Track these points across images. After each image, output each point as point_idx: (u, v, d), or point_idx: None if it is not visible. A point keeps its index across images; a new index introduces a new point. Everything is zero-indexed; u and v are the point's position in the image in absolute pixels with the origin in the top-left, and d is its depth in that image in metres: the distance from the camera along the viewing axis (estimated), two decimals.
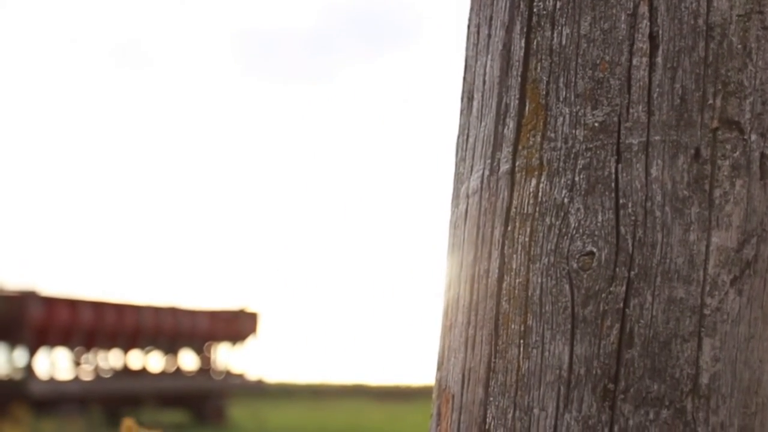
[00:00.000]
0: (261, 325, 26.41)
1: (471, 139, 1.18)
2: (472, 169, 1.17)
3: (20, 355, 20.99)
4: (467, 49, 1.22)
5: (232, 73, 50.77)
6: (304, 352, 58.73)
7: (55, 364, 21.75)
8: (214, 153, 50.08)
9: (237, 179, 50.75)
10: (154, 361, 24.57)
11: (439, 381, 1.19)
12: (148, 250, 46.72)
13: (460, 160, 1.21)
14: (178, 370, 24.90)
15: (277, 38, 50.12)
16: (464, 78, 1.22)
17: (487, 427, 1.10)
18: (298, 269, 56.47)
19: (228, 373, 25.92)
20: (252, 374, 26.53)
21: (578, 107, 1.08)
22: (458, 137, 1.22)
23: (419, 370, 64.68)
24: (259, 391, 27.67)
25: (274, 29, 49.50)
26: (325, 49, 50.85)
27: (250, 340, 26.26)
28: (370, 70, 51.24)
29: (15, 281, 21.62)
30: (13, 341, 20.88)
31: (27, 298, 20.31)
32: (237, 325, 25.80)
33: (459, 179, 1.20)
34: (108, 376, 22.90)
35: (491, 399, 1.09)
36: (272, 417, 25.29)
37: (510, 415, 1.08)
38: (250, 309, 26.22)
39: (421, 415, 31.04)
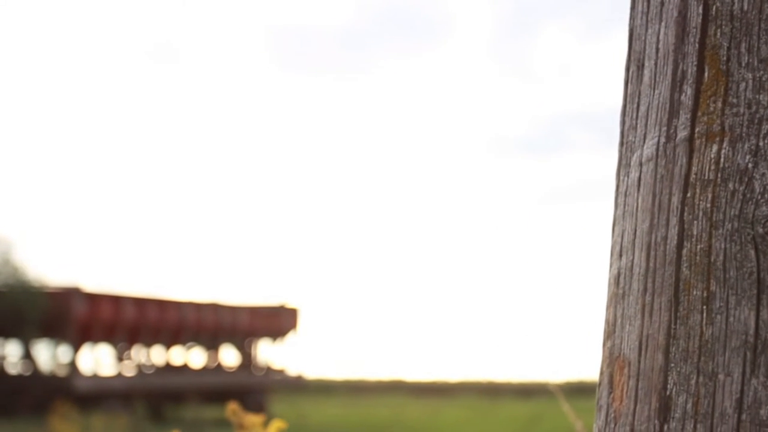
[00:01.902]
0: (301, 321, 26.49)
1: (643, 107, 1.18)
2: (645, 137, 1.16)
3: (64, 351, 21.18)
4: (634, 18, 1.22)
5: (268, 69, 50.91)
6: (342, 348, 58.78)
7: (98, 360, 21.93)
8: (252, 148, 50.26)
9: (276, 174, 50.91)
10: (195, 357, 24.73)
11: (610, 349, 1.19)
12: (190, 247, 46.97)
13: (629, 129, 1.20)
14: (220, 366, 25.03)
15: (312, 34, 50.23)
16: (631, 47, 1.22)
17: (668, 393, 1.09)
18: (338, 265, 56.62)
19: (269, 369, 26.02)
20: (292, 370, 26.61)
21: (762, 72, 1.07)
22: (626, 106, 1.22)
23: (456, 366, 64.55)
24: (299, 386, 27.74)
25: (310, 25, 49.61)
26: (360, 45, 50.92)
27: (290, 336, 26.35)
28: (406, 65, 51.24)
29: (59, 278, 21.79)
30: (57, 337, 21.06)
31: (71, 294, 20.49)
32: (277, 321, 25.90)
33: (629, 147, 1.20)
34: (150, 372, 23.05)
35: (672, 365, 1.09)
36: (313, 412, 25.36)
37: (693, 381, 1.07)
38: (290, 305, 26.30)
39: (458, 410, 31.04)
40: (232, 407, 2.06)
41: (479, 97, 51.70)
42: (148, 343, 22.79)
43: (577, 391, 42.12)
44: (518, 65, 51.64)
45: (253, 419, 2.04)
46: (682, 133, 1.11)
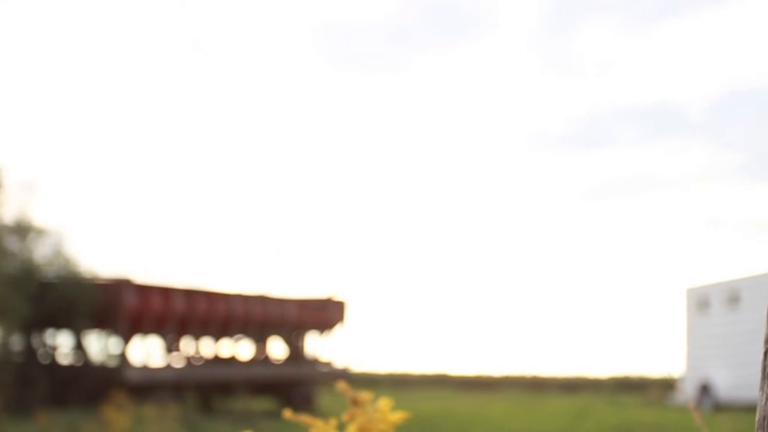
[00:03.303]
0: (348, 314, 26.56)
1: None
2: None
3: (115, 343, 21.35)
4: None
5: (314, 64, 51.01)
6: (388, 341, 58.83)
7: (148, 351, 22.10)
8: (297, 142, 50.41)
9: (321, 168, 51.02)
10: (243, 349, 24.86)
11: None
12: (238, 239, 47.16)
13: None
14: (267, 358, 25.16)
15: (357, 29, 50.28)
16: None
17: None
18: (384, 259, 56.64)
19: (316, 361, 26.12)
20: (339, 363, 26.68)
21: None
22: None
23: (500, 360, 64.45)
24: (346, 379, 27.80)
25: (355, 20, 49.69)
26: (403, 39, 50.91)
27: (337, 329, 26.43)
28: (445, 60, 51.11)
29: (110, 270, 21.98)
30: (108, 328, 21.25)
31: (122, 286, 20.64)
32: (325, 314, 25.98)
33: None
34: (199, 363, 23.20)
35: None
36: None
37: None
38: (337, 298, 26.38)
39: (504, 403, 30.96)
40: (342, 385, 2.07)
41: (520, 92, 51.43)
42: (197, 335, 22.95)
43: (624, 386, 41.97)
44: (560, 60, 51.29)
45: (365, 395, 2.04)
46: None
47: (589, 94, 50.38)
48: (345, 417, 2.01)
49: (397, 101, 50.72)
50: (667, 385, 36.12)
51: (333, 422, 2.30)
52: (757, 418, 1.21)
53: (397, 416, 2.03)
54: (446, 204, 53.32)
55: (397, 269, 57.91)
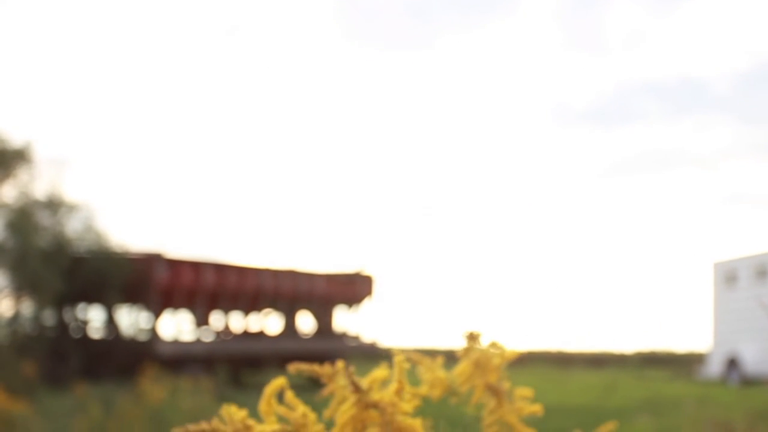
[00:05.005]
0: (376, 288, 26.59)
1: None
2: None
3: (146, 317, 21.45)
4: None
5: (336, 41, 50.89)
6: (415, 316, 58.85)
7: (179, 325, 22.20)
8: (325, 118, 50.38)
9: (348, 143, 51.01)
10: (273, 324, 24.95)
11: None
12: (267, 214, 47.25)
13: None
14: (296, 333, 25.23)
15: (379, 5, 50.09)
16: None
17: None
18: (412, 233, 56.62)
19: (344, 336, 26.18)
20: (367, 337, 26.73)
21: None
22: None
23: (525, 335, 64.40)
24: (374, 353, 27.87)
25: None
26: (426, 16, 50.69)
27: (365, 303, 26.47)
28: (471, 36, 50.87)
29: (141, 244, 22.06)
30: (139, 303, 21.34)
31: (153, 260, 20.70)
32: (353, 289, 26.02)
33: None
34: (229, 337, 23.29)
35: None
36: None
37: None
38: (366, 272, 26.41)
39: (532, 377, 30.97)
40: (469, 332, 2.04)
41: (544, 68, 51.16)
42: (227, 310, 23.01)
43: (650, 361, 41.91)
44: (585, 36, 50.97)
45: (479, 332, 2.03)
46: None
47: (614, 69, 50.09)
48: (460, 352, 2.00)
49: (421, 78, 50.61)
50: (695, 360, 36.06)
51: (440, 360, 2.30)
52: None
53: (513, 352, 2.03)
54: (471, 179, 53.24)
55: (424, 244, 57.93)
